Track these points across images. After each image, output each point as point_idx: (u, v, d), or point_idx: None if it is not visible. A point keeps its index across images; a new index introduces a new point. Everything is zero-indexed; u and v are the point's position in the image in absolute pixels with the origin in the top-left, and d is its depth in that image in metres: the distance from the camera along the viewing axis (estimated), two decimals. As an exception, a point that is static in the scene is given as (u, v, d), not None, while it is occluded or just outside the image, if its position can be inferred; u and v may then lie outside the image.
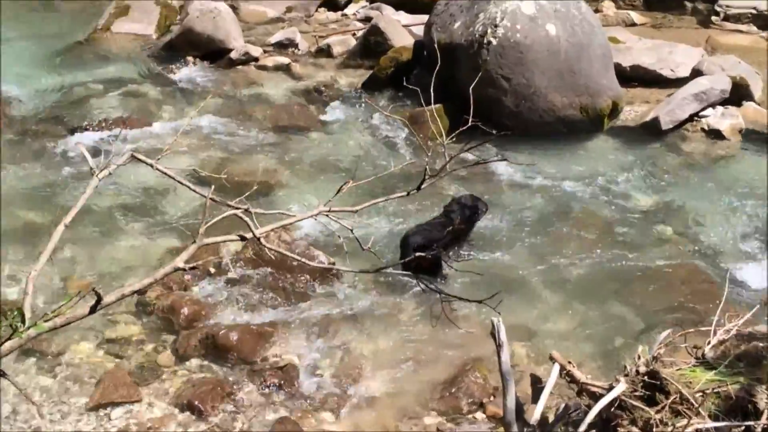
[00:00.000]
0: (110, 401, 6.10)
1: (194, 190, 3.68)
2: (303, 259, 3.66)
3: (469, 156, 4.25)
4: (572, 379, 5.66)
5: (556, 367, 5.60)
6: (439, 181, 8.81)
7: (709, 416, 4.84)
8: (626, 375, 5.29)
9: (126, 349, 6.71)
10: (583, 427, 4.85)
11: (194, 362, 6.63)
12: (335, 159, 9.99)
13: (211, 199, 3.64)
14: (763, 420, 4.78)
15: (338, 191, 3.74)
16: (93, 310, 3.11)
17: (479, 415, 6.17)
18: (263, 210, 3.90)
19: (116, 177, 8.96)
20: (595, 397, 5.29)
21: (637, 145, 10.50)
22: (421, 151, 9.41)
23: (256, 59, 12.89)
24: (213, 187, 3.73)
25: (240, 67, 12.73)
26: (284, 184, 9.38)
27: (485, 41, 10.53)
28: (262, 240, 3.48)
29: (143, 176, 9.08)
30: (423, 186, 3.71)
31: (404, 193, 3.81)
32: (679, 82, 11.31)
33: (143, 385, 6.33)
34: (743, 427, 4.78)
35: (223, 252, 7.81)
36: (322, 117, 11.27)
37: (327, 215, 3.79)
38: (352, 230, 3.88)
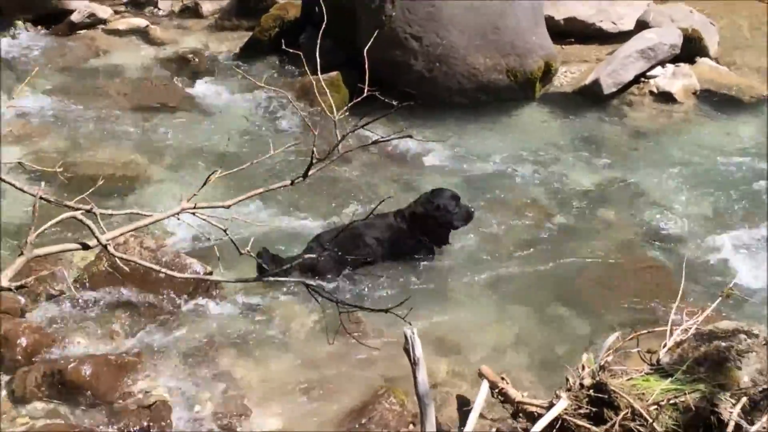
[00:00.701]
0: (-70, 459, 5.89)
1: (19, 188, 3.58)
2: (164, 270, 3.61)
3: (370, 134, 4.25)
4: (506, 398, 5.78)
5: (485, 385, 5.70)
6: (339, 164, 9.12)
7: (666, 432, 5.01)
8: (569, 390, 5.43)
9: (-53, 395, 6.49)
10: (519, 454, 4.95)
11: (36, 405, 6.43)
12: (208, 144, 9.89)
13: (41, 198, 3.55)
14: (728, 433, 4.97)
15: (204, 183, 3.70)
16: None
17: (396, 448, 6.20)
18: (112, 210, 3.82)
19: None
20: (533, 418, 5.41)
21: (575, 114, 10.78)
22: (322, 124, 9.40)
23: (104, 22, 12.67)
24: (44, 183, 3.64)
25: (84, 32, 12.48)
26: (144, 177, 9.24)
27: (389, -8, 10.60)
28: (109, 247, 3.41)
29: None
30: (310, 173, 3.71)
31: (287, 183, 3.80)
32: (623, 37, 11.64)
33: (-29, 440, 6.13)
34: (705, 443, 4.96)
35: (68, 265, 7.63)
36: (191, 92, 11.16)
37: (193, 213, 3.74)
38: (225, 230, 3.85)
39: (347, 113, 4.34)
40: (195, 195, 3.71)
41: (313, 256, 6.95)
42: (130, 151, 9.74)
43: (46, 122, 10.20)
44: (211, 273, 7.49)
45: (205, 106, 10.89)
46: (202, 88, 11.24)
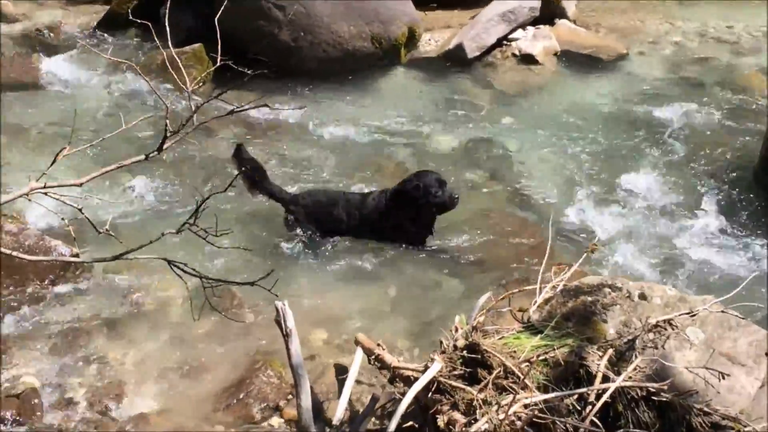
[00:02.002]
0: None
1: None
2: (18, 254, 3.44)
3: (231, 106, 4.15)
4: (383, 365, 5.77)
5: (360, 352, 5.69)
6: (202, 138, 8.93)
7: (538, 387, 5.08)
8: (443, 352, 5.46)
9: None
10: (395, 420, 4.96)
11: None
12: (65, 122, 9.53)
13: None
14: (597, 384, 5.08)
15: (54, 161, 3.53)
16: None
17: (275, 420, 6.13)
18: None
19: None
20: (410, 382, 5.42)
21: (441, 78, 10.84)
22: (175, 104, 9.21)
23: (-52, -4, 12.05)
24: None
25: (-73, 6, 11.86)
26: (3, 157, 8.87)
27: (249, -39, 10.42)
28: (-47, 233, 3.22)
29: None
30: (166, 146, 3.58)
31: (141, 157, 3.66)
32: (484, 2, 11.71)
33: None
34: (576, 396, 5.05)
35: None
36: (46, 69, 10.74)
37: (44, 193, 3.57)
38: (81, 209, 3.69)
39: (207, 86, 4.21)
40: (44, 174, 3.54)
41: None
42: (-16, 131, 9.35)
43: None
44: (76, 255, 7.27)
45: (61, 83, 10.52)
46: (57, 64, 10.83)
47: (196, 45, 10.33)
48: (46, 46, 11.27)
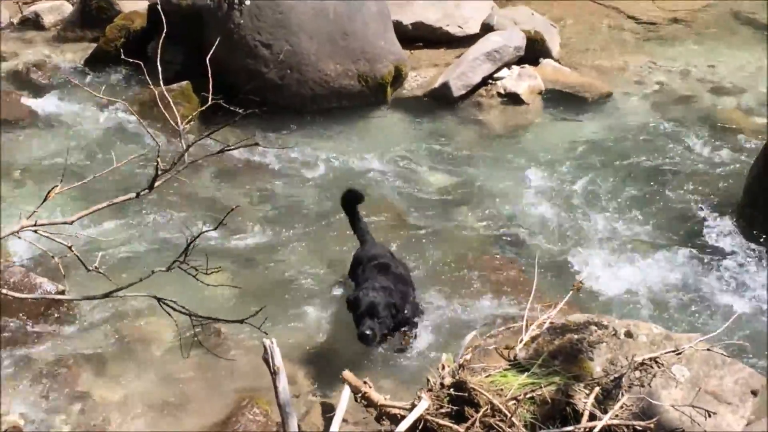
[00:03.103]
0: None
1: None
2: (5, 291, 3.44)
3: (221, 144, 4.19)
4: (369, 402, 5.77)
5: (347, 390, 5.69)
6: (191, 176, 8.94)
7: (525, 426, 5.10)
8: (430, 390, 5.47)
9: None
10: (383, 458, 4.94)
11: None
12: (53, 160, 9.55)
13: None
14: (584, 423, 5.10)
15: (45, 199, 3.55)
16: None
17: (260, 460, 6.13)
18: (-54, 230, 3.62)
19: None
20: (397, 420, 5.42)
21: (427, 117, 10.90)
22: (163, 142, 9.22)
23: (-64, 35, 12.11)
24: None
25: None
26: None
27: (236, 0, 10.49)
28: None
29: None
30: (156, 184, 3.60)
31: (133, 195, 3.68)
32: (469, 41, 11.84)
33: None
34: (563, 434, 5.07)
35: None
36: (34, 106, 10.76)
37: (34, 231, 3.58)
38: (71, 247, 3.70)
39: (194, 123, 4.25)
40: (35, 212, 3.56)
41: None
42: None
43: None
44: (63, 292, 7.26)
45: (49, 121, 10.53)
46: (45, 102, 10.85)
47: (184, 83, 10.39)
48: (34, 84, 11.29)
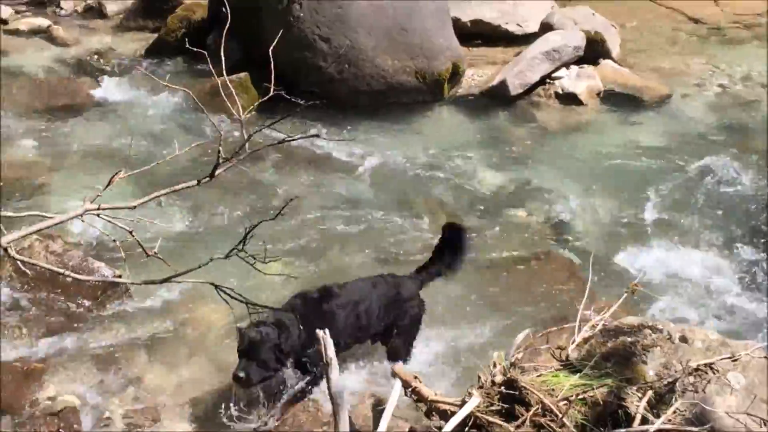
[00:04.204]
0: None
1: None
2: (69, 273, 3.50)
3: (280, 134, 4.23)
4: (419, 397, 5.77)
5: (398, 384, 5.69)
6: (249, 165, 9.02)
7: (575, 427, 5.05)
8: (481, 387, 5.44)
9: None
10: (432, 452, 4.94)
11: (-62, 416, 6.25)
12: (113, 146, 9.72)
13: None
14: (636, 426, 5.04)
15: (109, 183, 3.60)
16: None
17: (309, 451, 6.15)
18: (12, 212, 3.68)
19: None
20: (447, 416, 5.41)
21: (483, 115, 10.88)
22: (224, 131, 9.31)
23: (5, 22, 12.32)
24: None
25: (-18, 32, 12.14)
26: (48, 180, 9.05)
27: (297, -6, 10.57)
28: (10, 250, 3.29)
29: None
30: (217, 173, 3.64)
31: (194, 183, 3.72)
32: (528, 39, 11.81)
33: None
34: (614, 437, 5.02)
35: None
36: (96, 94, 10.96)
37: (97, 214, 3.64)
38: (131, 232, 3.75)
39: (254, 114, 4.27)
40: (98, 196, 3.61)
41: None
42: (33, 154, 9.51)
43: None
44: (119, 276, 7.37)
45: (109, 108, 10.71)
46: (106, 89, 11.04)
47: (242, 74, 10.47)
48: (96, 72, 11.46)
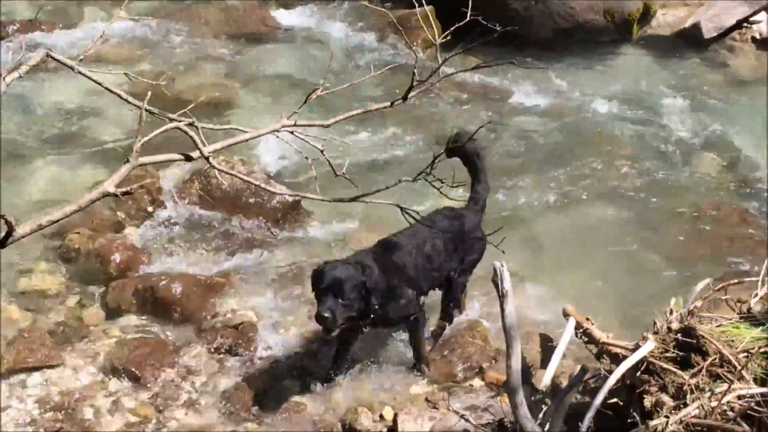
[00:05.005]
0: (25, 366, 6.08)
1: (126, 99, 3.63)
2: (264, 185, 3.64)
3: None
4: (590, 339, 5.74)
5: (571, 324, 5.66)
6: (431, 98, 9.07)
7: (755, 380, 4.91)
8: (656, 333, 5.35)
9: (44, 304, 6.68)
10: (601, 395, 4.91)
11: (128, 319, 6.62)
12: (301, 72, 9.96)
13: (147, 110, 3.59)
14: (822, 385, 4.86)
15: (306, 100, 3.69)
16: (2, 243, 3.07)
17: (476, 382, 6.21)
18: (212, 125, 3.85)
19: (29, 94, 8.94)
20: (618, 360, 5.36)
21: (674, 58, 10.56)
22: (408, 61, 9.37)
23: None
24: (149, 95, 3.67)
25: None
26: (237, 102, 9.38)
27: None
28: (211, 159, 3.45)
29: (61, 93, 9.04)
30: (411, 95, 3.68)
31: (387, 104, 3.78)
32: (725, -20, 11.29)
33: (65, 348, 6.30)
34: (795, 394, 4.85)
35: (163, 187, 7.77)
36: (285, 20, 11.20)
37: (291, 131, 3.75)
38: (323, 151, 3.85)
39: (436, 47, 4.25)
40: (295, 113, 3.71)
41: None
42: (224, 77, 9.85)
43: (143, 46, 10.34)
44: (299, 201, 7.63)
45: (299, 34, 10.92)
46: (296, 15, 11.26)
47: (429, 6, 10.44)
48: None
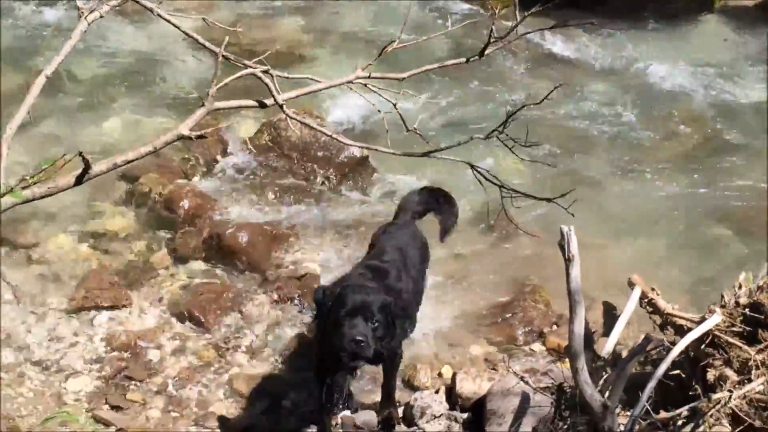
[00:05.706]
0: (94, 305, 6.21)
1: (203, 44, 3.64)
2: (336, 135, 3.63)
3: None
4: (655, 309, 5.66)
5: (637, 293, 5.59)
6: (504, 59, 8.98)
7: (823, 359, 4.82)
8: (723, 306, 5.26)
9: (114, 245, 6.80)
10: (664, 365, 4.83)
11: (195, 265, 6.71)
12: (373, 28, 9.96)
13: (223, 56, 3.59)
14: None
15: (381, 53, 3.66)
16: (79, 180, 3.11)
17: (537, 346, 6.19)
18: (287, 74, 3.84)
19: (107, 38, 9.04)
20: (682, 332, 5.29)
21: (754, 29, 10.31)
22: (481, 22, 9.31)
23: None
24: (226, 41, 3.67)
25: None
26: (309, 55, 9.42)
27: None
28: (285, 107, 3.44)
29: (138, 38, 9.14)
30: (487, 52, 3.62)
31: (463, 60, 3.73)
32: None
33: (133, 289, 6.43)
34: None
35: (233, 137, 7.84)
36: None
37: (365, 83, 3.73)
38: (395, 104, 3.82)
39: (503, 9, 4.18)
40: (370, 65, 3.69)
41: None
42: (296, 31, 9.92)
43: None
44: (367, 157, 7.62)
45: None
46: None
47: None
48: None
